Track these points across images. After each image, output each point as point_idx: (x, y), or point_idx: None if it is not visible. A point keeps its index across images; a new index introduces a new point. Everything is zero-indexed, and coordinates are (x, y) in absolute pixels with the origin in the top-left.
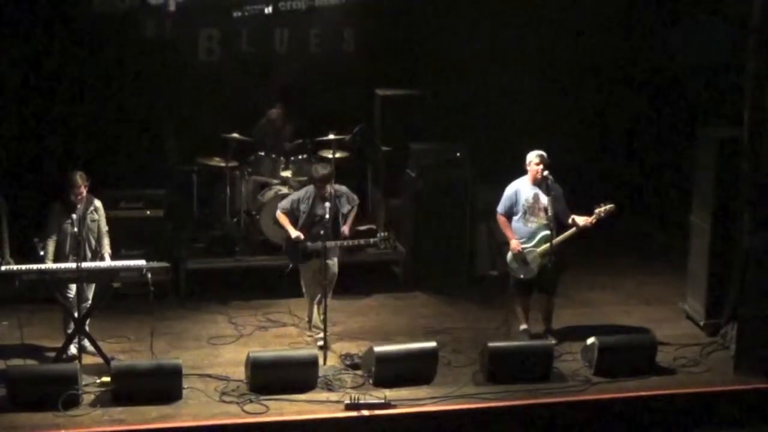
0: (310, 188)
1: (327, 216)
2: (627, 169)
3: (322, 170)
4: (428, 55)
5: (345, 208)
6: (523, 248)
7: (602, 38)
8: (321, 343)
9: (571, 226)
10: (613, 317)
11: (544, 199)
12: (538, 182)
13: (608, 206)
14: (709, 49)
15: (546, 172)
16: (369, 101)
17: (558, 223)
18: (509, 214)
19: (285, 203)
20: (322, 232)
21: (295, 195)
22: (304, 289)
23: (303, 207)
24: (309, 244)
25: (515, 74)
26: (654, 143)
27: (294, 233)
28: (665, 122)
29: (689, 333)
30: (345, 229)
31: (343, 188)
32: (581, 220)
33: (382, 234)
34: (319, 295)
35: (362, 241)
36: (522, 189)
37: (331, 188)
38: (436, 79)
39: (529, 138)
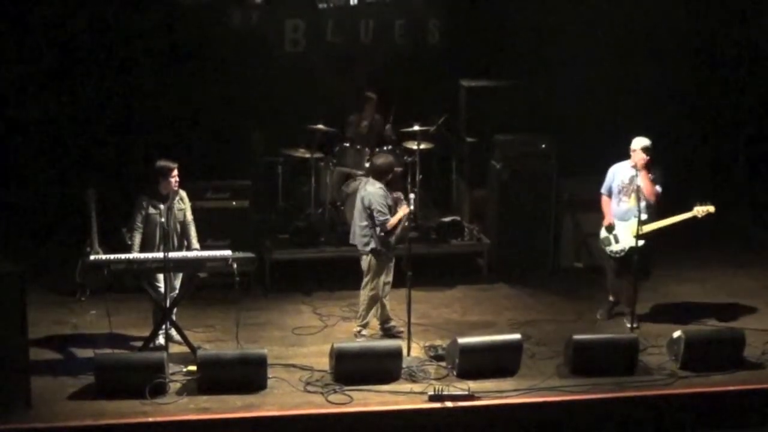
0: (377, 184)
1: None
2: (718, 160)
3: (380, 159)
4: (512, 45)
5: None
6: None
7: (694, 27)
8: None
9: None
10: (700, 310)
11: (639, 183)
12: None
13: (709, 207)
14: None
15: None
16: (454, 92)
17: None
18: (609, 193)
19: (383, 210)
20: (407, 223)
21: (381, 199)
22: (379, 290)
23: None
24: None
25: (602, 64)
26: (750, 131)
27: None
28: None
29: None
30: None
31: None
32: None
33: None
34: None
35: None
36: (620, 170)
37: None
38: (520, 70)
39: (616, 129)
